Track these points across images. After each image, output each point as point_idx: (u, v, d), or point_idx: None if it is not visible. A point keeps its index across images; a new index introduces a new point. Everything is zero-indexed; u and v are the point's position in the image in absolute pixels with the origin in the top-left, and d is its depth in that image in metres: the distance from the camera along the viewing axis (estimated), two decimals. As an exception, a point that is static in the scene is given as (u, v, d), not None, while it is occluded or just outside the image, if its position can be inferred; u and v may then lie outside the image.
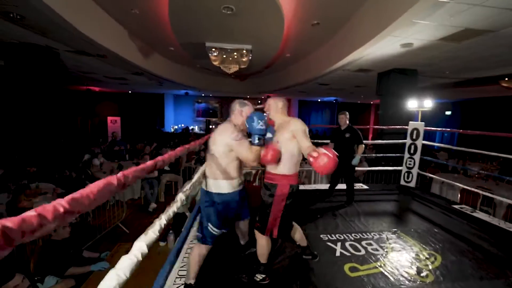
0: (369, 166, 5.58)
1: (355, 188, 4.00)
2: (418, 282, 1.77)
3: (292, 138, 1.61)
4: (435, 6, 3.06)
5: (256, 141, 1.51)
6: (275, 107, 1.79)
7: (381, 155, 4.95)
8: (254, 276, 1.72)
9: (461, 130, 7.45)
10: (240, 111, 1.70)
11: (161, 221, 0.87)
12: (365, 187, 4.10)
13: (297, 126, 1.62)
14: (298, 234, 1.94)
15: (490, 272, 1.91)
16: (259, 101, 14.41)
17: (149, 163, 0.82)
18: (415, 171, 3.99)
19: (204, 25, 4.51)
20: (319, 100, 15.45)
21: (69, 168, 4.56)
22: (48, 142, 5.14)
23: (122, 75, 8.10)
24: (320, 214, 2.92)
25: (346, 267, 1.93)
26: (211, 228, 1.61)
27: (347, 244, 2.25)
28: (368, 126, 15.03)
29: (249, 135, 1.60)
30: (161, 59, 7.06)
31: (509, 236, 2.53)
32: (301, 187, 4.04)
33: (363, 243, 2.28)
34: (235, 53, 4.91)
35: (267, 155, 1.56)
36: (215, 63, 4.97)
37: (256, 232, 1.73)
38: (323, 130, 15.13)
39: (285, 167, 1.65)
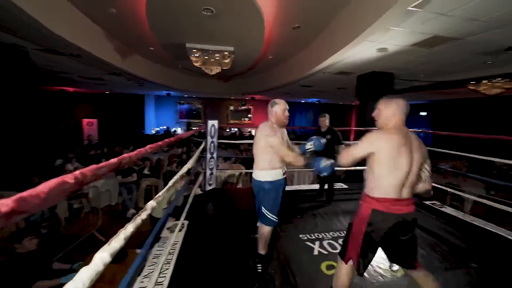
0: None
1: (335, 187, 4.11)
2: (389, 276, 1.86)
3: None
4: (406, 14, 3.23)
5: (304, 149, 1.96)
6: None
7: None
8: None
9: (430, 131, 7.86)
10: (271, 111, 1.90)
11: (126, 231, 0.85)
12: (345, 186, 4.23)
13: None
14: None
15: (454, 263, 2.04)
16: (243, 102, 14.43)
17: (112, 160, 0.79)
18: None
19: (184, 26, 4.45)
20: (303, 101, 15.72)
21: (38, 174, 4.30)
22: (13, 146, 4.81)
23: (99, 75, 7.79)
24: (300, 214, 2.98)
25: (323, 265, 1.98)
26: (268, 213, 1.85)
27: (325, 242, 2.31)
28: (350, 128, 15.48)
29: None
30: (140, 59, 6.87)
31: (472, 228, 2.72)
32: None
33: (340, 241, 2.35)
34: (217, 55, 4.89)
35: None
36: (197, 64, 4.92)
37: (338, 260, 1.50)
38: (306, 131, 15.40)
39: (367, 186, 1.42)
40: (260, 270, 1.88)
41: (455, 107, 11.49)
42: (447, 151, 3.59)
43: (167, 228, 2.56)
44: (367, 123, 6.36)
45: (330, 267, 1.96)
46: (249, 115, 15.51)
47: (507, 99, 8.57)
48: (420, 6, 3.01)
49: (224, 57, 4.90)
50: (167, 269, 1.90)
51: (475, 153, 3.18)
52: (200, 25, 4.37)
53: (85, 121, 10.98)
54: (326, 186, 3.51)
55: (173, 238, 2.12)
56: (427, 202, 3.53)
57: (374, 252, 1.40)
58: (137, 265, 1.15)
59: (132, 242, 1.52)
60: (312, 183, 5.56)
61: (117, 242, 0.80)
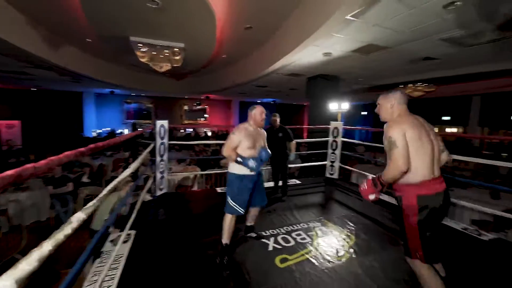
0: (302, 163, 6.09)
1: (289, 184, 4.29)
2: (335, 262, 2.02)
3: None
4: (345, 23, 3.55)
5: (245, 162, 2.03)
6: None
7: (312, 152, 5.48)
8: None
9: (369, 128, 8.87)
10: (250, 114, 2.21)
11: (43, 250, 0.71)
12: (298, 182, 4.45)
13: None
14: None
15: (389, 243, 2.33)
16: (198, 102, 13.99)
17: (9, 172, 0.66)
18: (337, 164, 4.56)
19: (126, 17, 4.07)
20: (258, 101, 16.03)
21: None
22: None
23: (19, 68, 6.57)
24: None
25: (277, 259, 2.04)
26: (231, 200, 2.10)
27: (279, 237, 2.39)
28: (302, 126, 16.42)
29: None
30: (75, 52, 6.04)
31: (402, 212, 3.16)
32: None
33: (293, 234, 2.46)
34: (166, 51, 4.61)
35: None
36: (143, 60, 4.55)
37: (409, 261, 1.46)
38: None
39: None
40: (219, 261, 1.99)
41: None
42: (383, 145, 4.10)
43: (110, 241, 2.29)
44: (317, 122, 6.84)
45: (283, 260, 2.03)
46: (205, 115, 15.13)
47: (427, 101, 10.28)
48: (356, 16, 3.35)
49: (175, 53, 4.65)
50: (110, 286, 1.70)
51: None
52: (145, 18, 4.05)
53: (3, 123, 9.13)
54: (280, 183, 3.64)
55: (116, 251, 1.90)
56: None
57: (435, 236, 1.40)
58: (64, 287, 0.98)
59: (72, 259, 1.30)
60: (268, 180, 5.71)
61: (28, 264, 0.66)
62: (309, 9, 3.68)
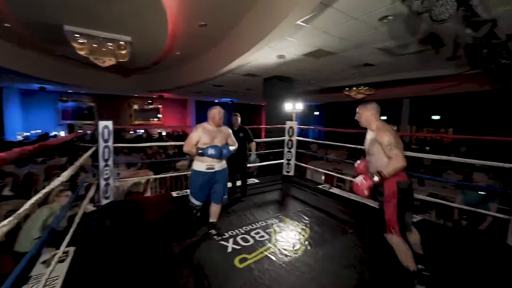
0: (261, 162, 6.21)
1: (248, 183, 4.32)
2: (292, 256, 2.11)
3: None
4: (296, 27, 3.74)
5: (205, 151, 2.24)
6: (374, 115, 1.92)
7: (269, 151, 5.63)
8: None
9: (321, 127, 9.54)
10: (209, 113, 2.40)
11: None
12: (257, 181, 4.52)
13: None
14: (414, 236, 1.91)
15: (339, 233, 2.54)
16: (150, 101, 13.04)
17: None
18: (293, 162, 4.78)
19: (58, 3, 3.54)
20: (216, 101, 15.78)
21: None
22: None
23: None
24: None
25: (237, 260, 2.02)
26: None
27: (238, 238, 2.38)
28: (260, 126, 16.75)
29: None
30: (-11, 39, 5.00)
31: (351, 203, 3.47)
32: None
33: (252, 233, 2.48)
34: (109, 44, 4.15)
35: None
36: (82, 52, 4.02)
37: (386, 236, 1.78)
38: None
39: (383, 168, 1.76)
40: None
41: (340, 108, 14.42)
42: (334, 143, 4.50)
43: (42, 262, 1.96)
44: (273, 122, 7.05)
45: (243, 260, 2.02)
46: (159, 115, 14.20)
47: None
48: (307, 22, 3.56)
49: (120, 47, 4.23)
50: (41, 315, 1.45)
51: (352, 143, 4.06)
52: (83, 5, 3.58)
53: None
54: (239, 183, 3.63)
55: (48, 274, 1.63)
56: (320, 186, 4.24)
57: (407, 212, 1.80)
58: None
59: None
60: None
61: None
62: (263, 11, 3.76)
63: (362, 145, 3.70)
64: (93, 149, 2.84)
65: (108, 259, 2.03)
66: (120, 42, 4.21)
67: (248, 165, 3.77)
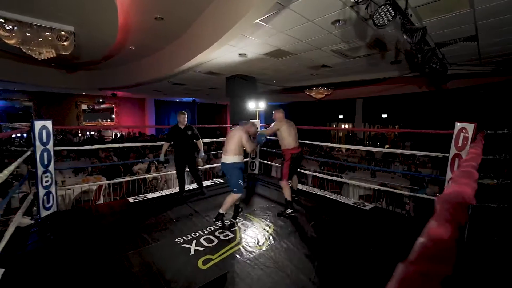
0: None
1: (212, 183, 4.23)
2: (257, 251, 2.13)
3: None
4: (256, 26, 3.77)
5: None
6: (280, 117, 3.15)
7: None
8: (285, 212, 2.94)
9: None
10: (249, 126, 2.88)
11: None
12: (221, 181, 4.45)
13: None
14: (295, 182, 3.42)
15: (301, 225, 2.64)
16: (101, 100, 11.86)
17: None
18: (257, 161, 4.83)
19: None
20: (177, 100, 15.13)
21: None
22: None
23: None
24: (176, 218, 2.81)
25: (200, 261, 1.96)
26: (241, 182, 2.74)
27: (201, 239, 2.31)
28: (226, 125, 16.58)
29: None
30: None
31: (312, 196, 3.65)
32: (152, 195, 3.75)
33: (217, 233, 2.43)
34: (47, 33, 3.64)
35: None
36: (10, 42, 3.44)
37: (281, 182, 3.04)
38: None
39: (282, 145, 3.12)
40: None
41: (302, 107, 15.04)
42: (298, 140, 4.64)
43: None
44: (237, 121, 7.03)
45: (206, 261, 1.97)
46: (112, 115, 13.04)
47: (327, 103, 12.30)
48: (265, 21, 3.61)
49: (61, 38, 3.74)
50: None
51: (314, 140, 4.25)
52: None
53: None
54: (189, 186, 3.63)
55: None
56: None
57: (294, 171, 3.19)
58: None
59: None
60: (192, 182, 5.47)
61: None
62: (222, 8, 3.70)
63: (322, 141, 4.21)
64: (28, 153, 2.46)
65: (46, 280, 1.77)
66: (61, 32, 3.72)
67: (199, 166, 3.89)
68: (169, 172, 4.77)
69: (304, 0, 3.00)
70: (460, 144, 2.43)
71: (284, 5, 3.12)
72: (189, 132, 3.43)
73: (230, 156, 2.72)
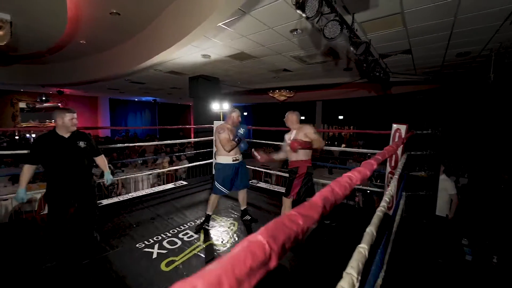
0: (190, 163, 6.02)
1: (176, 185, 4.14)
2: (221, 249, 2.19)
3: (305, 137, 2.46)
4: (219, 29, 3.83)
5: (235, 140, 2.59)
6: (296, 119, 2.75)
7: (198, 151, 5.53)
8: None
9: (250, 126, 10.03)
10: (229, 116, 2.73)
11: None
12: (185, 183, 4.37)
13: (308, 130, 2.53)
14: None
15: (266, 222, 2.78)
16: (43, 98, 10.48)
17: None
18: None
19: None
20: (135, 100, 14.22)
21: None
22: None
23: None
24: (136, 222, 2.71)
25: (163, 264, 1.95)
26: (217, 183, 2.61)
27: (164, 242, 2.28)
28: (190, 126, 16.12)
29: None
30: None
31: (277, 194, 3.83)
32: (114, 200, 3.54)
33: (180, 235, 2.43)
34: (-25, 21, 3.16)
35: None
36: None
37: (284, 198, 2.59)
38: (144, 132, 14.14)
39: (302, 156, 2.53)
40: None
41: (266, 109, 15.41)
42: (261, 141, 4.82)
43: None
44: (201, 122, 6.96)
45: (169, 263, 1.96)
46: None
47: (290, 104, 12.87)
48: (228, 25, 3.69)
49: (-6, 27, 3.28)
50: None
51: (279, 141, 4.46)
52: None
53: None
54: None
55: None
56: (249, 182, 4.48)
57: (310, 190, 2.56)
58: None
59: None
60: (152, 185, 5.26)
61: None
62: (185, 8, 3.67)
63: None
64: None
65: None
66: (-6, 21, 3.26)
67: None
68: (127, 176, 4.51)
69: (264, 9, 3.17)
70: (396, 143, 2.84)
71: (245, 12, 3.24)
72: (81, 144, 2.07)
73: (216, 157, 2.70)
